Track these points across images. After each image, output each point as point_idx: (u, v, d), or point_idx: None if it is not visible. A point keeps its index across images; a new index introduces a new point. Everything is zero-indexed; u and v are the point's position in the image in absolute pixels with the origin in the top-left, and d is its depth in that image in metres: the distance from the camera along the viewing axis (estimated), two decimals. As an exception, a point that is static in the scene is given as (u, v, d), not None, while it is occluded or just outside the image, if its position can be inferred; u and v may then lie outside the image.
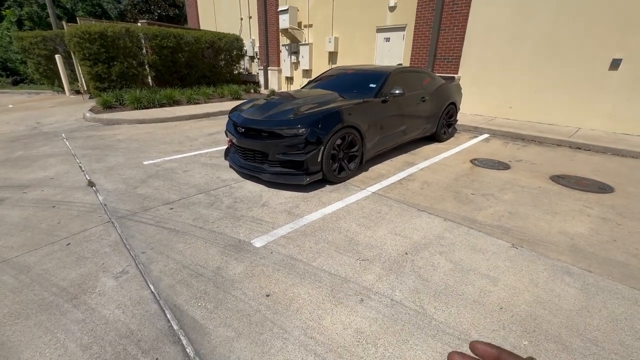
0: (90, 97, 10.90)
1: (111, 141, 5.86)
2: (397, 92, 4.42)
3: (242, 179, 4.13)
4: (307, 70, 12.59)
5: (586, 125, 6.66)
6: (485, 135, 6.58)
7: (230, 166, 4.48)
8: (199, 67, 12.06)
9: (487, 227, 3.00)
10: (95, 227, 2.95)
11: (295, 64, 13.05)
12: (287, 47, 12.89)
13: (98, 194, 3.64)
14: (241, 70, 15.01)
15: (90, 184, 3.93)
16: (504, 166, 4.68)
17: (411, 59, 9.04)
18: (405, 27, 9.12)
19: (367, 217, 3.17)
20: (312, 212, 3.27)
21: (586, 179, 4.23)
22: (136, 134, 6.38)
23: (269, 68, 14.06)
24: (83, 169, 4.45)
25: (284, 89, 13.86)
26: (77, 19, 10.99)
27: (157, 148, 5.47)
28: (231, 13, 15.61)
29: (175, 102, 9.38)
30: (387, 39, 9.66)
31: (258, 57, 14.77)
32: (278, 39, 13.35)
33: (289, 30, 12.10)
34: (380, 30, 9.77)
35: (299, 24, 12.22)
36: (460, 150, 5.52)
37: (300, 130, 3.55)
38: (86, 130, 6.67)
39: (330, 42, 11.08)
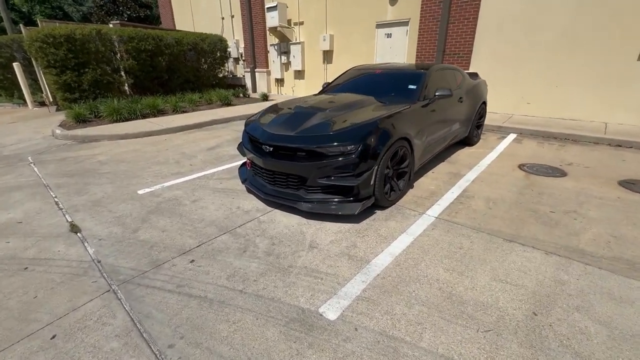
0: (58, 110, 9.62)
1: (92, 164, 4.87)
2: (444, 93, 3.77)
3: (268, 208, 3.35)
4: (299, 71, 11.81)
5: (613, 120, 6.32)
6: (513, 135, 6.09)
7: (249, 190, 3.68)
8: (181, 71, 11.01)
9: (604, 261, 2.40)
10: (90, 302, 2.09)
11: (286, 65, 12.23)
12: (276, 47, 12.04)
13: (87, 245, 2.74)
14: (226, 74, 14.02)
15: (74, 228, 3.02)
16: (560, 172, 4.15)
17: (417, 55, 8.48)
18: (408, 21, 8.55)
19: (451, 257, 2.48)
20: (377, 253, 2.55)
21: (658, 184, 3.75)
22: (121, 153, 5.40)
23: (256, 70, 13.16)
24: (61, 205, 3.50)
25: (274, 92, 13.01)
26: (38, 22, 9.67)
27: (150, 170, 4.55)
28: (210, 12, 14.55)
29: (160, 112, 8.35)
30: (389, 35, 9.07)
31: (243, 58, 13.81)
32: (265, 38, 12.48)
33: (278, 28, 11.28)
34: (380, 25, 9.15)
35: (289, 21, 11.41)
36: (499, 155, 4.96)
37: (350, 148, 2.82)
38: (58, 151, 5.61)
39: (324, 40, 10.36)
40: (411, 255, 2.51)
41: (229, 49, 13.23)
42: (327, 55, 10.79)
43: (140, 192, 3.82)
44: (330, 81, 5.07)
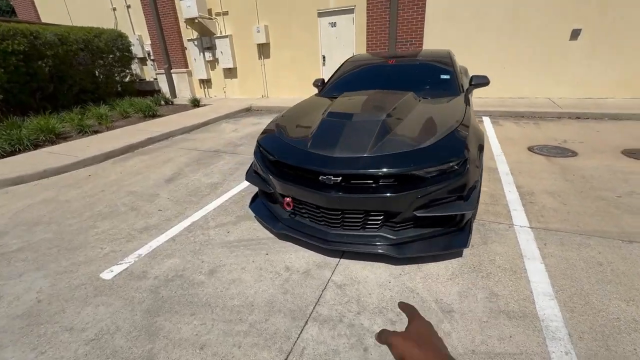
0: None
1: (-19, 239, 2.98)
2: (481, 81, 3.34)
3: (328, 258, 2.39)
4: (230, 69, 10.29)
5: (554, 95, 7.04)
6: (488, 118, 6.22)
7: (285, 237, 2.63)
8: (74, 78, 8.38)
9: None
10: None
11: (212, 63, 10.53)
12: (196, 43, 10.22)
13: None
14: (133, 78, 11.45)
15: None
16: (570, 152, 4.20)
17: (367, 45, 8.09)
18: (354, 8, 8.05)
19: (607, 281, 2.02)
20: (528, 298, 1.92)
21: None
22: (27, 210, 3.52)
23: (173, 71, 11.03)
24: (-46, 343, 1.88)
25: (199, 94, 11.14)
26: None
27: (96, 231, 3.00)
28: (94, 1, 11.57)
29: (59, 137, 6.07)
30: (333, 24, 8.44)
31: (152, 57, 11.43)
32: (179, 32, 10.48)
33: (197, 20, 9.52)
34: (322, 14, 8.45)
35: (209, 11, 9.74)
36: (499, 140, 4.88)
37: (454, 163, 2.09)
38: None
39: (258, 32, 9.14)
40: (568, 291, 1.97)
41: (132, 47, 10.73)
42: (264, 49, 9.61)
43: (105, 275, 2.38)
44: (321, 78, 4.18)
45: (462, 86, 3.31)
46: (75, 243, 2.83)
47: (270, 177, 2.47)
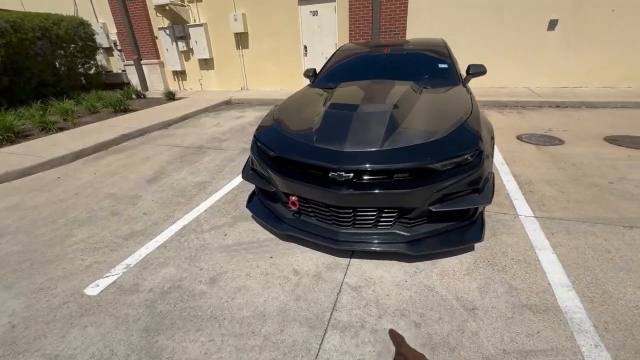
0: None
1: None
2: (479, 70, 3.30)
3: (338, 259, 2.27)
4: (206, 59, 9.78)
5: (533, 85, 7.24)
6: (472, 108, 6.27)
7: (290, 238, 2.47)
8: (31, 70, 7.63)
9: None
10: None
11: (186, 53, 9.96)
12: (168, 31, 9.60)
13: None
14: (99, 70, 10.64)
15: None
16: (557, 140, 4.30)
17: (350, 34, 7.92)
18: (335, -3, 7.83)
19: (622, 269, 2.04)
20: (547, 290, 1.90)
21: (636, 137, 4.21)
22: (-11, 219, 3.11)
23: (143, 62, 10.33)
24: None
25: (173, 87, 10.53)
26: None
27: (73, 242, 2.69)
28: (51, -14, 10.55)
29: (19, 135, 5.49)
30: (314, 13, 8.18)
31: (119, 47, 10.65)
32: (149, 19, 9.79)
33: (169, 7, 8.93)
34: (303, 2, 8.15)
35: (181, -2, 9.16)
36: (486, 130, 4.92)
37: (469, 155, 2.01)
38: None
39: (235, 20, 8.71)
40: (583, 280, 1.96)
41: (95, 36, 9.92)
42: (242, 39, 9.18)
43: (90, 291, 2.12)
44: (312, 68, 3.99)
45: (460, 75, 3.25)
46: (50, 255, 2.52)
47: (272, 174, 2.29)
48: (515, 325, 1.69)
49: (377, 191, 1.96)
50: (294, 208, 2.30)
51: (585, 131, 4.59)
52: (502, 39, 7.04)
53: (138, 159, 4.57)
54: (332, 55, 3.93)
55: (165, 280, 2.18)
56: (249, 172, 2.63)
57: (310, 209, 2.28)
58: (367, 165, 1.96)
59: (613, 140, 4.16)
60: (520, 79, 7.27)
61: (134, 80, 10.59)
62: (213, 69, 9.96)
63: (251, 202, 2.73)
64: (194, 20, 9.40)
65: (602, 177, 3.21)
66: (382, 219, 2.12)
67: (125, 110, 7.34)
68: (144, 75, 10.53)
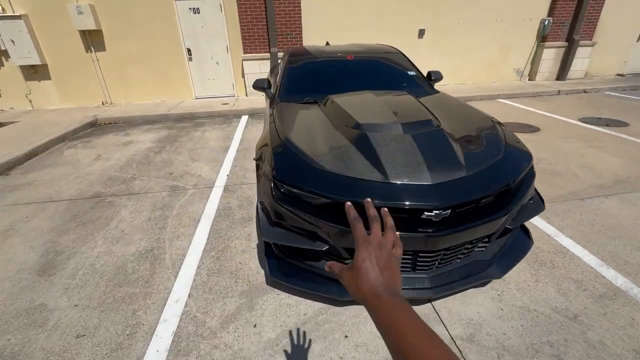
0: None
1: None
2: (439, 77, 3.47)
3: (422, 310, 1.91)
4: (34, 66, 6.96)
5: (412, 84, 8.41)
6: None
7: (351, 301, 1.93)
8: None
9: None
10: None
11: (-5, 58, 6.80)
12: (-49, 25, 6.27)
13: None
14: None
15: None
16: (534, 128, 5.05)
17: (243, 37, 7.17)
18: (218, -6, 6.88)
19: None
20: None
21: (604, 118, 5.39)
22: None
23: None
24: None
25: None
26: None
27: None
28: None
29: None
30: (196, 11, 6.98)
31: None
32: None
33: (-51, -13, 5.82)
34: (179, -4, 6.82)
35: (-28, -25, 6.11)
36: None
37: (527, 167, 2.02)
38: None
39: (81, 13, 6.48)
40: (605, 252, 2.30)
41: None
42: (94, 39, 6.94)
43: None
44: (264, 78, 3.28)
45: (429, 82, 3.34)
46: None
47: (326, 226, 1.70)
48: (616, 320, 1.80)
49: (472, 224, 1.71)
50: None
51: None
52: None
53: (-13, 238, 2.74)
54: (287, 62, 3.33)
55: None
56: (271, 230, 1.89)
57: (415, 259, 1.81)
58: (464, 198, 1.68)
59: (589, 119, 5.35)
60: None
61: None
62: (49, 79, 7.20)
63: (278, 270, 1.98)
64: (3, 9, 6.48)
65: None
66: (468, 250, 1.90)
67: None
68: None
